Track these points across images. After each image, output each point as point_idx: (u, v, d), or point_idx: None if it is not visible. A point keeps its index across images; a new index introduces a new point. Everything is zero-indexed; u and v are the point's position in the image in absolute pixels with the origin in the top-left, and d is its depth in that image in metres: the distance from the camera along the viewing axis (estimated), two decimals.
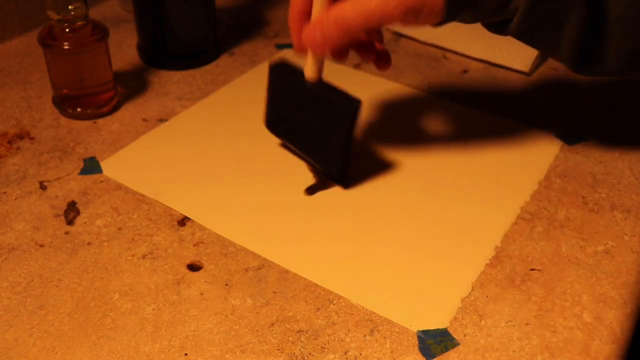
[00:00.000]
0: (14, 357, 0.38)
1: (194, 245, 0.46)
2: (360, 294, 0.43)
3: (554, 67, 0.70)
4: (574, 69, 0.47)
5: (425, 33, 0.73)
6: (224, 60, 0.70)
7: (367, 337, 0.40)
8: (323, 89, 0.49)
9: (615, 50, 0.45)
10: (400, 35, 0.75)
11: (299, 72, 0.49)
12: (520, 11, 0.43)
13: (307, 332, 0.40)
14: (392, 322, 0.41)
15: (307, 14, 0.46)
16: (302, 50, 0.47)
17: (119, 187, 0.51)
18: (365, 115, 0.60)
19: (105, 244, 0.46)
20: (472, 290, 0.43)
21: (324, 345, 0.39)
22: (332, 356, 0.39)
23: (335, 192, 0.51)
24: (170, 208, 0.49)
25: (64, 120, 0.59)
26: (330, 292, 0.43)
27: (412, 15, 0.42)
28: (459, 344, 0.40)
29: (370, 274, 0.44)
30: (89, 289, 0.43)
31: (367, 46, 0.50)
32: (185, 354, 0.39)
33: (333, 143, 0.49)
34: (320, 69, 0.48)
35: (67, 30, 0.55)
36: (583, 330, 0.41)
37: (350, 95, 0.48)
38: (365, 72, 0.67)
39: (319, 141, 0.50)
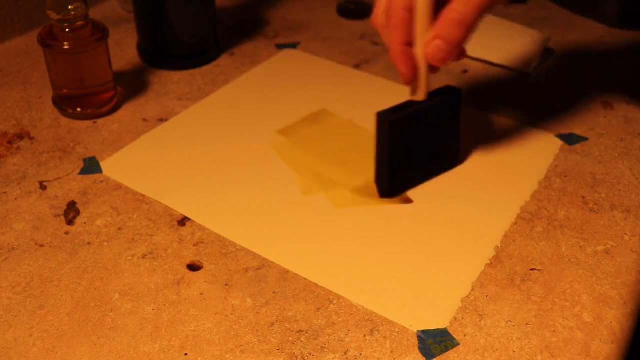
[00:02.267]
0: (14, 357, 0.38)
1: (194, 245, 0.46)
2: (360, 294, 0.43)
3: (554, 67, 0.70)
4: (619, 23, 0.47)
5: None
6: (224, 60, 0.70)
7: (367, 337, 0.40)
8: (431, 99, 0.50)
9: None
10: None
11: (407, 106, 0.49)
12: None
13: (307, 332, 0.40)
14: (392, 322, 0.41)
15: (407, 43, 0.47)
16: (410, 77, 0.48)
17: (119, 187, 0.51)
18: (365, 115, 0.60)
19: (105, 244, 0.46)
20: (472, 290, 0.43)
21: (324, 345, 0.39)
22: (332, 356, 0.39)
23: (335, 192, 0.51)
24: (170, 208, 0.49)
25: (64, 120, 0.59)
26: (330, 292, 0.43)
27: None
28: (459, 344, 0.40)
29: (370, 274, 0.44)
30: (89, 289, 0.43)
31: None
32: (185, 354, 0.39)
33: (449, 136, 0.53)
34: (427, 87, 0.49)
35: (67, 30, 0.55)
36: (583, 330, 0.41)
37: (448, 87, 0.52)
38: (365, 72, 0.68)
39: (439, 148, 0.52)
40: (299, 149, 0.56)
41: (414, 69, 0.48)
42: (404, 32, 0.47)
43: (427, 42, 0.46)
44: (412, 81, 0.49)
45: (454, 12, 0.45)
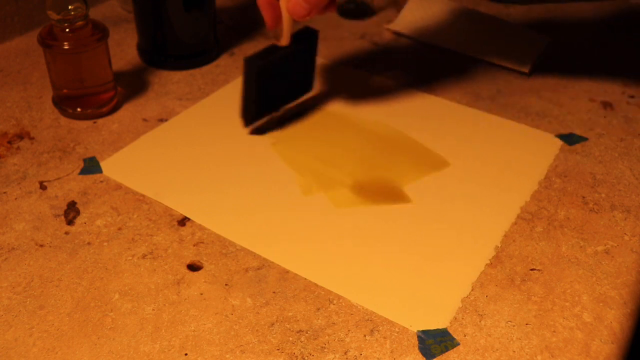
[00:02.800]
0: (14, 357, 0.38)
1: (194, 245, 0.46)
2: (360, 294, 0.43)
3: (554, 67, 0.70)
4: None
5: (425, 33, 0.73)
6: (224, 60, 0.69)
7: (367, 337, 0.40)
8: (293, 43, 0.56)
9: None
10: (400, 35, 0.75)
11: (272, 51, 0.55)
12: None
13: (307, 332, 0.40)
14: (392, 322, 0.41)
15: None
16: (275, 26, 0.54)
17: (119, 187, 0.51)
18: (365, 115, 0.60)
19: (105, 244, 0.46)
20: (472, 290, 0.43)
21: (324, 345, 0.39)
22: (332, 356, 0.39)
23: (335, 192, 0.51)
24: (170, 208, 0.49)
25: (64, 120, 0.59)
26: (330, 292, 0.43)
27: None
28: (459, 344, 0.40)
29: (370, 274, 0.44)
30: (89, 289, 0.43)
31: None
32: (185, 354, 0.39)
33: (308, 70, 0.60)
34: (291, 34, 0.55)
35: (67, 30, 0.55)
36: (583, 330, 0.41)
37: (306, 29, 0.58)
38: (365, 72, 0.68)
39: (298, 80, 0.59)
40: (298, 149, 0.56)
41: (278, 18, 0.53)
42: None
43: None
44: (275, 28, 0.55)
45: None
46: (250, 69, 0.54)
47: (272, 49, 0.55)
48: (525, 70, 0.67)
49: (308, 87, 0.61)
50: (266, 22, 0.54)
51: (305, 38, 0.57)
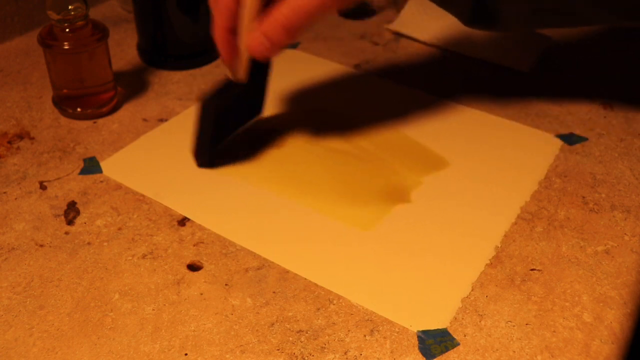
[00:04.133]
0: (14, 357, 0.38)
1: (194, 245, 0.46)
2: (360, 294, 0.43)
3: (553, 67, 0.70)
4: (467, 23, 0.50)
5: (425, 33, 0.73)
6: None
7: (367, 337, 0.40)
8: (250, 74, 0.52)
9: (512, 8, 0.48)
10: (400, 35, 0.75)
11: (228, 87, 0.51)
12: None
13: (307, 332, 0.40)
14: (392, 322, 0.41)
15: (232, 29, 0.48)
16: (230, 61, 0.50)
17: (119, 187, 0.51)
18: (365, 115, 0.60)
19: (105, 244, 0.46)
20: (472, 290, 0.43)
21: (324, 345, 0.39)
22: (332, 356, 0.39)
23: (335, 192, 0.51)
24: (170, 208, 0.49)
25: (64, 120, 0.59)
26: (330, 292, 0.43)
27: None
28: (459, 344, 0.40)
29: (370, 274, 0.44)
30: (89, 289, 0.43)
31: None
32: (185, 354, 0.39)
33: (259, 97, 0.57)
34: (248, 69, 0.51)
35: (67, 30, 0.55)
36: (583, 330, 0.41)
37: (255, 61, 0.50)
38: (365, 72, 0.68)
39: (250, 109, 0.57)
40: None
41: (234, 53, 0.49)
42: (227, 19, 0.47)
43: (250, 35, 0.47)
44: (231, 63, 0.50)
45: (281, 15, 0.45)
46: (208, 109, 0.51)
47: (228, 85, 0.51)
48: (523, 69, 0.67)
49: (259, 111, 0.58)
50: (222, 58, 0.50)
51: (260, 69, 0.53)
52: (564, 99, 0.64)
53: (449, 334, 0.40)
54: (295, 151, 0.56)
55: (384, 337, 0.40)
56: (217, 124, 0.52)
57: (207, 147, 0.53)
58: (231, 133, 0.56)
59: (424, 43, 0.73)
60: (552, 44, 0.73)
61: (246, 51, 0.48)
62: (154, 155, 0.55)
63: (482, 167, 0.54)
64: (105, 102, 0.59)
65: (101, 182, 0.52)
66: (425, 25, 0.75)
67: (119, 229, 0.48)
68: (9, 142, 0.56)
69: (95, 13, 0.77)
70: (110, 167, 0.53)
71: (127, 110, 0.61)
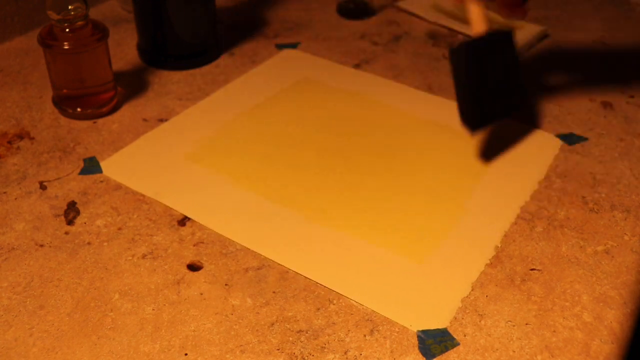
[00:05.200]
0: (14, 357, 0.38)
1: (194, 245, 0.46)
2: (361, 293, 0.43)
3: (554, 67, 0.70)
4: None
5: (431, 13, 0.78)
6: (224, 60, 0.70)
7: (367, 337, 0.40)
8: (493, 36, 0.52)
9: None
10: (409, 14, 0.80)
11: (475, 42, 0.51)
12: None
13: (307, 332, 0.40)
14: (392, 322, 0.41)
15: None
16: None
17: (119, 187, 0.51)
18: (365, 114, 0.60)
19: (105, 244, 0.46)
20: (472, 290, 0.43)
21: (324, 345, 0.39)
22: (332, 356, 0.39)
23: (335, 192, 0.51)
24: (170, 208, 0.49)
25: (64, 120, 0.59)
26: (330, 292, 0.43)
27: None
28: (459, 344, 0.40)
29: (370, 273, 0.44)
30: (89, 289, 0.43)
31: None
32: (185, 354, 0.39)
33: (514, 72, 0.54)
34: (486, 20, 0.51)
35: (67, 30, 0.55)
36: (583, 330, 0.41)
37: (500, 28, 0.53)
38: (365, 72, 0.68)
39: (508, 83, 0.54)
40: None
41: None
42: None
43: None
44: (460, 2, 0.52)
45: None
46: (459, 50, 0.50)
47: (474, 40, 0.51)
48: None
49: (523, 95, 0.55)
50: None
51: (502, 35, 0.53)
52: (564, 99, 0.64)
53: (449, 334, 0.40)
54: (294, 151, 0.56)
55: (384, 337, 0.40)
56: (471, 71, 0.50)
57: (467, 100, 0.51)
58: (498, 103, 0.53)
59: (427, 20, 0.78)
60: (552, 44, 0.73)
61: None
62: (154, 155, 0.55)
63: (483, 167, 0.54)
64: (105, 102, 0.59)
65: (101, 182, 0.52)
66: (432, 4, 0.81)
67: (119, 229, 0.48)
68: (9, 142, 0.56)
69: (95, 13, 0.77)
70: (110, 167, 0.53)
71: (127, 110, 0.61)
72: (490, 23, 0.51)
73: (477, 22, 0.51)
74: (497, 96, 0.53)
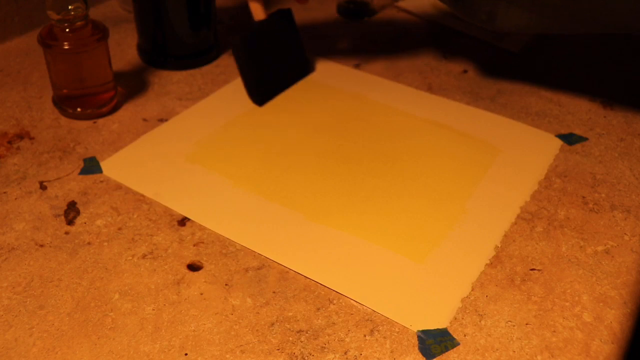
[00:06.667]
0: (14, 357, 0.38)
1: (194, 245, 0.46)
2: (361, 293, 0.43)
3: (554, 67, 0.70)
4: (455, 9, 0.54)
5: (429, 12, 0.79)
6: (224, 60, 0.70)
7: (367, 337, 0.40)
8: (272, 18, 0.63)
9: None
10: (409, 14, 0.80)
11: (253, 27, 0.61)
12: None
13: (307, 332, 0.40)
14: (392, 322, 0.41)
15: None
16: None
17: (119, 187, 0.51)
18: (365, 114, 0.60)
19: (105, 244, 0.46)
20: (472, 290, 0.43)
21: (324, 345, 0.39)
22: (332, 356, 0.39)
23: (335, 192, 0.51)
24: (170, 208, 0.49)
25: (64, 120, 0.59)
26: (330, 292, 0.43)
27: None
28: (459, 344, 0.40)
29: (370, 273, 0.44)
30: (89, 289, 0.43)
31: None
32: (185, 354, 0.39)
33: (294, 49, 0.65)
34: (263, 10, 0.62)
35: (67, 30, 0.55)
36: (583, 330, 0.41)
37: (280, 10, 0.64)
38: (365, 72, 0.68)
39: (289, 60, 0.65)
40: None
41: None
42: None
43: None
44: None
45: None
46: (235, 42, 0.59)
47: (252, 24, 0.61)
48: (513, 49, 0.71)
49: (305, 66, 0.66)
50: None
51: (280, 16, 0.63)
52: (564, 99, 0.64)
53: (449, 334, 0.40)
54: (294, 151, 0.56)
55: (384, 337, 0.40)
56: (247, 54, 0.60)
57: (249, 80, 0.61)
58: (281, 78, 0.64)
59: (427, 20, 0.79)
60: (552, 44, 0.73)
61: None
62: (154, 155, 0.55)
63: (482, 167, 0.54)
64: (105, 102, 0.59)
65: (101, 182, 0.52)
66: (430, 3, 0.82)
67: (119, 229, 0.48)
68: (9, 142, 0.56)
69: (95, 13, 0.77)
70: (110, 167, 0.53)
71: (127, 110, 0.61)
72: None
73: (256, 13, 0.62)
74: (278, 70, 0.63)
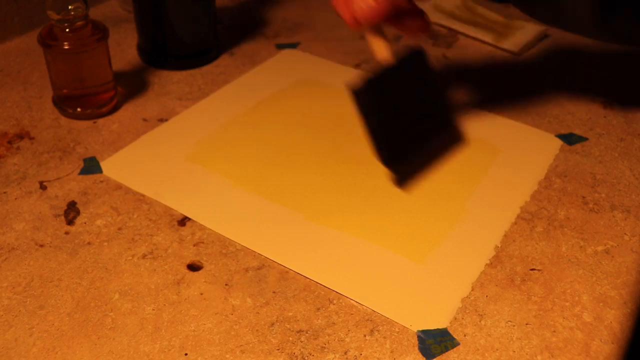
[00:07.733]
0: (14, 357, 0.38)
1: (194, 245, 0.46)
2: (361, 294, 0.43)
3: (554, 67, 0.70)
4: (594, 26, 0.45)
5: (430, 13, 0.78)
6: (224, 60, 0.70)
7: (367, 337, 0.40)
8: (402, 62, 0.50)
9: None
10: None
11: (379, 75, 0.49)
12: None
13: (307, 332, 0.40)
14: (392, 322, 0.41)
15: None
16: (357, 25, 0.48)
17: (119, 187, 0.52)
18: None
19: (105, 244, 0.46)
20: (472, 290, 0.43)
21: (324, 345, 0.39)
22: (332, 356, 0.39)
23: (335, 192, 0.51)
24: (170, 208, 0.49)
25: (64, 120, 0.59)
26: (330, 292, 0.43)
27: None
28: (459, 344, 0.40)
29: (370, 273, 0.44)
30: (89, 289, 0.43)
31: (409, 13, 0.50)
32: (185, 354, 0.39)
33: (432, 96, 0.52)
34: (389, 47, 0.49)
35: (67, 30, 0.55)
36: (583, 330, 0.41)
37: (411, 48, 0.51)
38: (365, 71, 0.67)
39: (427, 110, 0.52)
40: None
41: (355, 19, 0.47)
42: None
43: None
44: (357, 28, 0.48)
45: None
46: (357, 93, 0.48)
47: (379, 71, 0.49)
48: (515, 50, 0.71)
49: (446, 116, 0.54)
50: (346, 21, 0.48)
51: (410, 54, 0.51)
52: (564, 99, 0.64)
53: (449, 334, 0.40)
54: (294, 151, 0.56)
55: (384, 337, 0.40)
56: (372, 108, 0.48)
57: (376, 136, 0.48)
58: (416, 133, 0.51)
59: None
60: (552, 44, 0.73)
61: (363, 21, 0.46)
62: (154, 155, 0.55)
63: (482, 167, 0.54)
64: (105, 102, 0.59)
65: (101, 182, 0.52)
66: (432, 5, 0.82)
67: (119, 229, 0.48)
68: (9, 142, 0.56)
69: (95, 13, 0.77)
70: (110, 167, 0.53)
71: (127, 110, 0.61)
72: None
73: (380, 52, 0.49)
74: (415, 124, 0.51)
